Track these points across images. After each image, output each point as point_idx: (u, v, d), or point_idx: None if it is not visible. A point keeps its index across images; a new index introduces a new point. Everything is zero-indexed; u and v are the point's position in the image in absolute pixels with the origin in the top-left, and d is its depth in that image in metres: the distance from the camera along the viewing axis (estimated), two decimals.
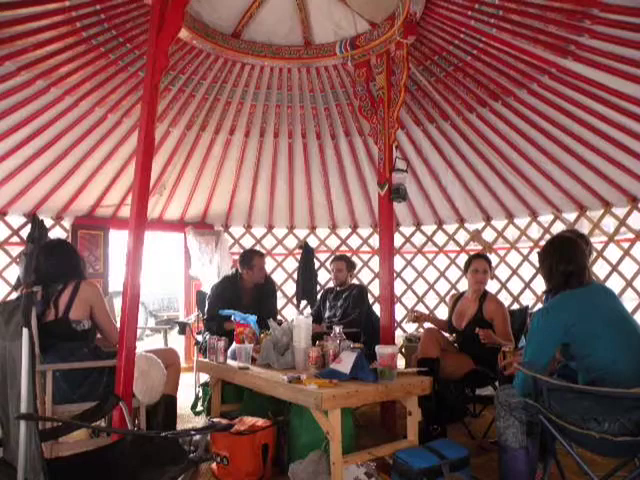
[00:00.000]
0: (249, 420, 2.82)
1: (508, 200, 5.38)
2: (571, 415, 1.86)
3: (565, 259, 2.28)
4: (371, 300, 5.31)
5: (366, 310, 4.47)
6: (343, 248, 6.36)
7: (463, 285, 5.43)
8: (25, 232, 4.98)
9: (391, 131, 3.92)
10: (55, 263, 2.81)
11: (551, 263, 2.32)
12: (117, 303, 3.51)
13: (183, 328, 5.13)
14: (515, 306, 5.34)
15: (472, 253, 4.79)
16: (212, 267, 5.88)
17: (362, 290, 4.59)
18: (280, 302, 6.34)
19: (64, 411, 2.49)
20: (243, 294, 4.12)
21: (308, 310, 5.78)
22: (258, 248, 6.35)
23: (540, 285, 5.40)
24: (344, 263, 4.61)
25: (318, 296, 5.35)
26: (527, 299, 5.44)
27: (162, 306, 10.92)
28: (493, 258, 5.60)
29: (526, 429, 2.19)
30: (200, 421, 3.79)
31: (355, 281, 4.63)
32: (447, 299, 4.75)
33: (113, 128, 4.66)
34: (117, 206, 5.51)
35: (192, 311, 6.12)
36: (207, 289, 5.56)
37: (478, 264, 3.64)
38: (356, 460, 2.51)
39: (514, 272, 5.59)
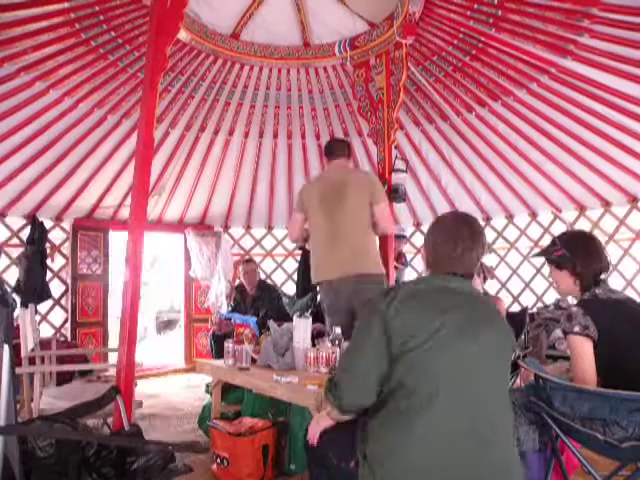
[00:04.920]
0: (249, 421, 2.81)
1: (508, 200, 5.38)
2: (576, 415, 1.83)
3: None
4: None
5: None
6: None
7: None
8: (25, 234, 4.98)
9: (390, 131, 3.92)
10: None
11: None
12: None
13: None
14: (515, 306, 5.34)
15: None
16: (212, 268, 5.87)
17: None
18: None
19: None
20: (246, 298, 4.38)
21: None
22: (258, 249, 6.38)
23: (540, 285, 5.40)
24: None
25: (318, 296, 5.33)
26: (527, 299, 5.43)
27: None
28: (493, 258, 5.60)
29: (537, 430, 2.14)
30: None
31: None
32: None
33: (112, 129, 4.67)
34: (117, 207, 5.51)
35: (193, 312, 6.14)
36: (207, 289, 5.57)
37: None
38: None
39: (514, 272, 5.59)
